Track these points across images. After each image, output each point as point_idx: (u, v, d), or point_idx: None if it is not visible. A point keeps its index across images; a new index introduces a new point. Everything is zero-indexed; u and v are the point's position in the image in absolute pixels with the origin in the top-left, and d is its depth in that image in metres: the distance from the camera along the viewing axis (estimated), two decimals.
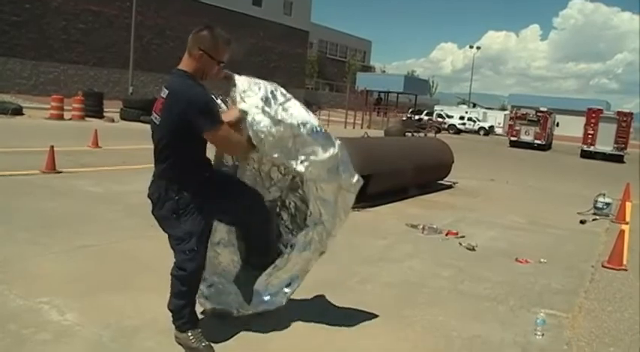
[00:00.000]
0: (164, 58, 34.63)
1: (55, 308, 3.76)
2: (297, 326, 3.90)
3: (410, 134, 26.40)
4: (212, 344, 3.36)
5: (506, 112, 56.64)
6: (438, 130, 38.96)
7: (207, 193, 3.37)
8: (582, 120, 32.93)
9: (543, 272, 6.02)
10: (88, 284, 4.30)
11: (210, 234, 3.54)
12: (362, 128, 35.21)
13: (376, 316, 4.27)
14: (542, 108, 36.20)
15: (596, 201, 10.08)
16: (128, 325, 3.61)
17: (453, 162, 11.92)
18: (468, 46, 75.86)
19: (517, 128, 35.05)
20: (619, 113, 31.95)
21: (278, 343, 3.64)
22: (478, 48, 74.09)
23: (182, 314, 3.35)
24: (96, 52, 32.23)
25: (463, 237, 7.23)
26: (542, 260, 6.45)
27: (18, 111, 19.34)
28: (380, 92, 49.76)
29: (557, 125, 38.95)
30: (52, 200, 7.16)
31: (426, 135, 29.08)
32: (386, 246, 6.54)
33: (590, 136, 31.08)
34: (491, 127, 51.65)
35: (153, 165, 3.34)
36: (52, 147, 9.01)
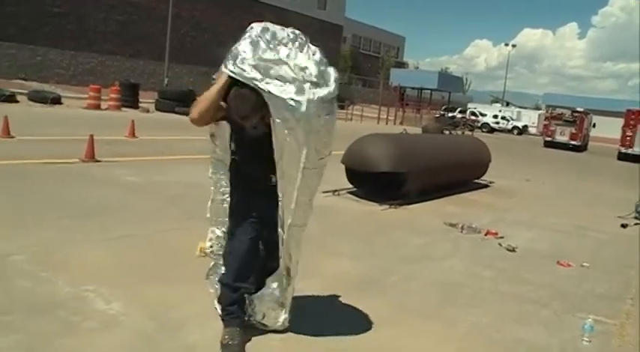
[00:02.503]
0: (199, 50, 34.90)
1: (100, 296, 3.79)
2: (339, 324, 3.86)
3: (448, 132, 26.08)
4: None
5: (541, 112, 55.72)
6: (471, 128, 38.50)
7: None
8: (620, 121, 32.18)
9: (586, 276, 5.88)
10: (130, 274, 4.33)
11: None
12: (395, 124, 35.03)
13: (418, 316, 4.22)
14: (578, 109, 35.52)
15: (637, 205, 9.83)
16: (173, 317, 3.61)
17: (490, 161, 11.76)
18: (503, 44, 74.58)
19: (552, 128, 34.40)
20: None
21: (320, 342, 3.60)
22: (513, 46, 73.00)
23: (224, 309, 3.41)
24: (132, 44, 32.58)
25: (502, 237, 7.11)
26: (584, 264, 6.30)
27: (57, 101, 19.64)
28: (413, 88, 49.27)
29: (594, 126, 38.14)
30: (92, 188, 7.24)
31: (463, 133, 28.73)
32: (425, 245, 6.46)
33: (628, 138, 30.30)
34: (525, 127, 50.86)
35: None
36: (92, 136, 9.12)
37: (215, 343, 3.31)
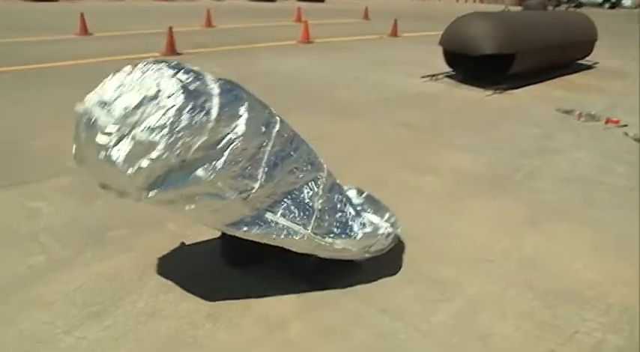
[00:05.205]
0: None
1: None
2: (472, 230, 3.45)
3: (551, 8, 23.89)
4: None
5: None
6: (558, 3, 35.62)
7: None
8: None
9: None
10: None
11: None
12: (474, 2, 32.89)
13: (560, 219, 3.73)
14: None
15: None
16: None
17: (596, 39, 10.60)
18: None
19: None
20: None
21: (460, 251, 3.21)
22: None
23: None
24: None
25: (626, 125, 6.37)
26: None
27: None
28: None
29: None
30: None
31: (567, 8, 26.20)
32: (543, 135, 5.82)
33: None
34: None
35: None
36: (171, 28, 8.71)
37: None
